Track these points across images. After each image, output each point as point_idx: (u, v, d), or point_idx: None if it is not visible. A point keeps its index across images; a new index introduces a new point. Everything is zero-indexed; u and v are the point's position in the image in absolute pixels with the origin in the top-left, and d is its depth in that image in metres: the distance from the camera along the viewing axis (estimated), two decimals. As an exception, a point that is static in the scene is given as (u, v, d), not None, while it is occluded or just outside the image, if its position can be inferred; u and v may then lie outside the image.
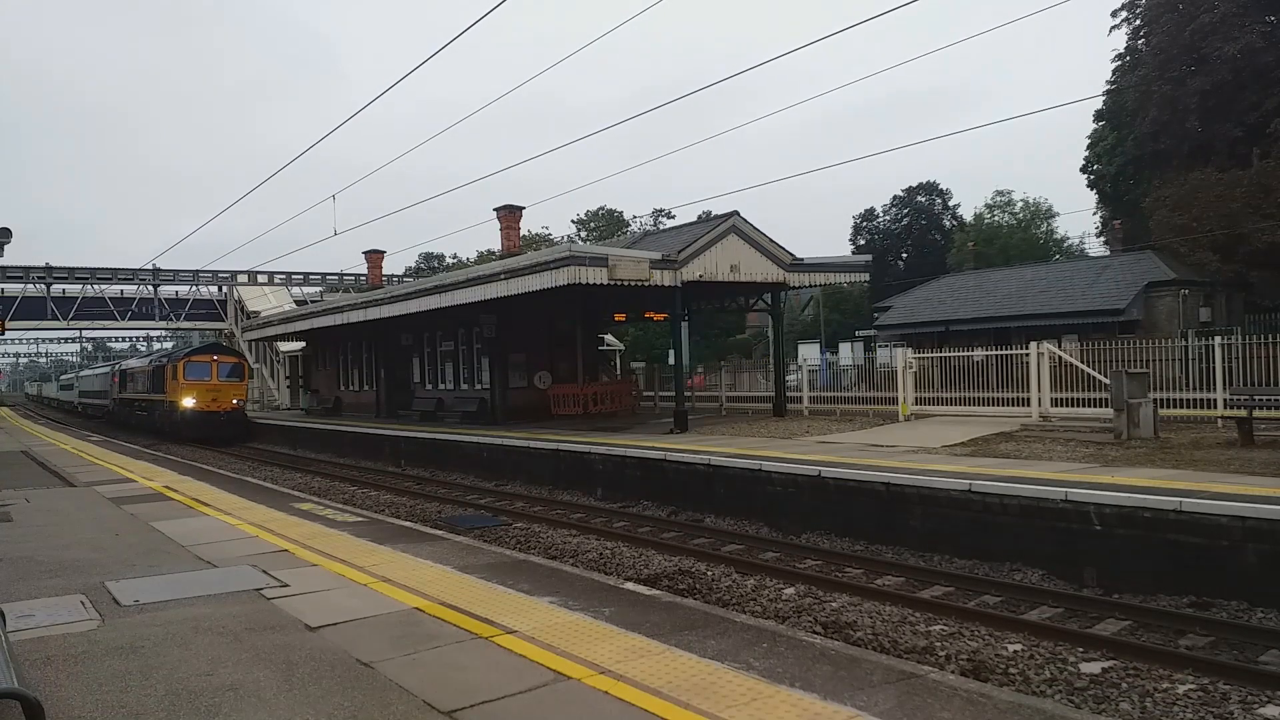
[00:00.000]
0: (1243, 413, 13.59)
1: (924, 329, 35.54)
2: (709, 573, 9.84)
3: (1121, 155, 31.65)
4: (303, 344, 41.40)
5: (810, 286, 31.09)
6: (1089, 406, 17.24)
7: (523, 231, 34.92)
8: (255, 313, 48.57)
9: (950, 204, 63.24)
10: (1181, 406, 16.53)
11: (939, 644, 7.21)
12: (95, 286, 44.44)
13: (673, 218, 64.75)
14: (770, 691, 4.72)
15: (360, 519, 11.37)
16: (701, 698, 4.61)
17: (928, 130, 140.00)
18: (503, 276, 21.31)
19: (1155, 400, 15.27)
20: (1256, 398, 13.90)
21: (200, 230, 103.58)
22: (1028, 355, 18.19)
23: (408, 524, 11.45)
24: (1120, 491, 9.38)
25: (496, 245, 33.28)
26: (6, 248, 22.18)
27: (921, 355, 21.76)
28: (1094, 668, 6.65)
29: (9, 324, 38.56)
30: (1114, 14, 29.12)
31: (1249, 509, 8.23)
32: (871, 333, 40.74)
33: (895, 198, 63.44)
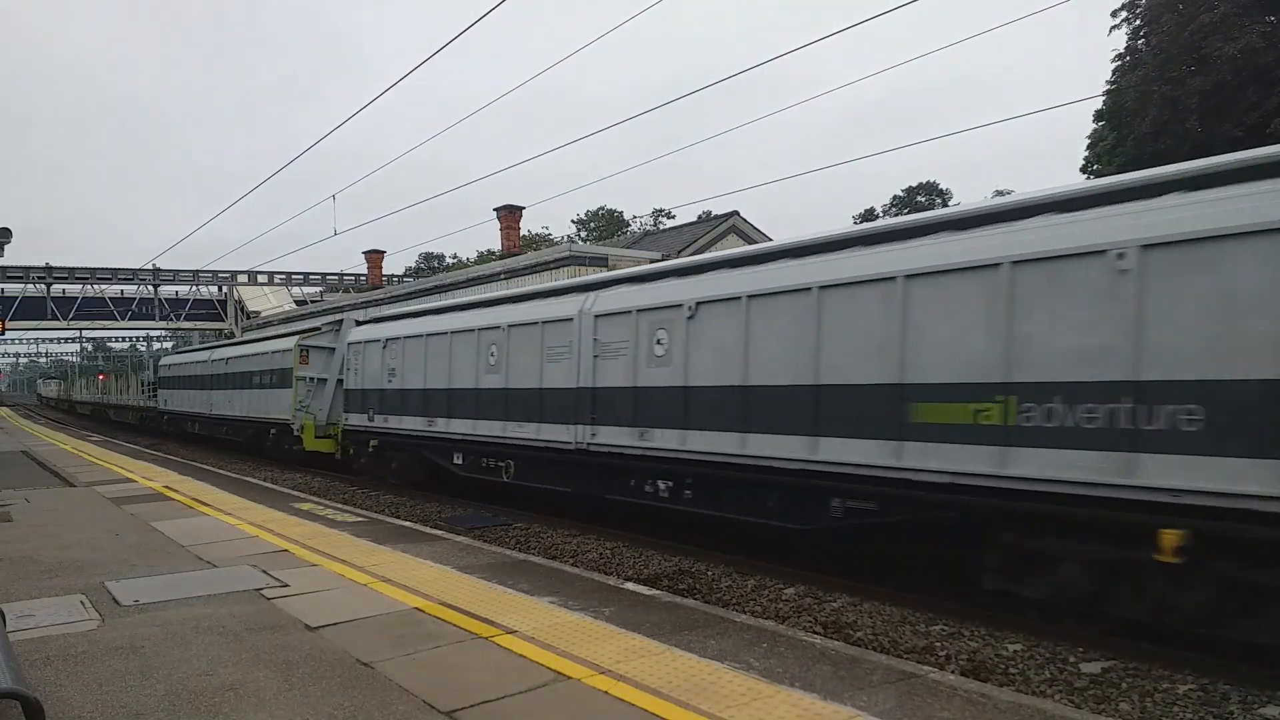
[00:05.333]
0: None
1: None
2: (709, 573, 9.83)
3: (1121, 155, 31.64)
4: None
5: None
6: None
7: (523, 231, 34.93)
8: (255, 313, 48.57)
9: (950, 204, 63.31)
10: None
11: (939, 644, 7.21)
12: (95, 286, 44.42)
13: (673, 218, 64.88)
14: (770, 691, 4.72)
15: (360, 519, 11.38)
16: (701, 698, 4.61)
17: (928, 130, 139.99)
18: (503, 276, 21.37)
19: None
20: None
21: (200, 230, 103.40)
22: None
23: (408, 524, 11.46)
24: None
25: (497, 245, 33.29)
26: (7, 248, 22.20)
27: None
28: (1094, 668, 6.64)
29: (9, 324, 38.56)
30: (1114, 14, 29.12)
31: None
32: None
33: (895, 198, 63.61)
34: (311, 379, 21.27)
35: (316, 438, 20.78)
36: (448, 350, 14.95)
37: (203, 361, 30.41)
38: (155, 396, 38.66)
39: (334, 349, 21.16)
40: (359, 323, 20.97)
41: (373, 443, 17.54)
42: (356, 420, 18.22)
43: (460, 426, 14.50)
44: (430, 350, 15.55)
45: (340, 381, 20.45)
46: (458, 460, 14.91)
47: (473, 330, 14.34)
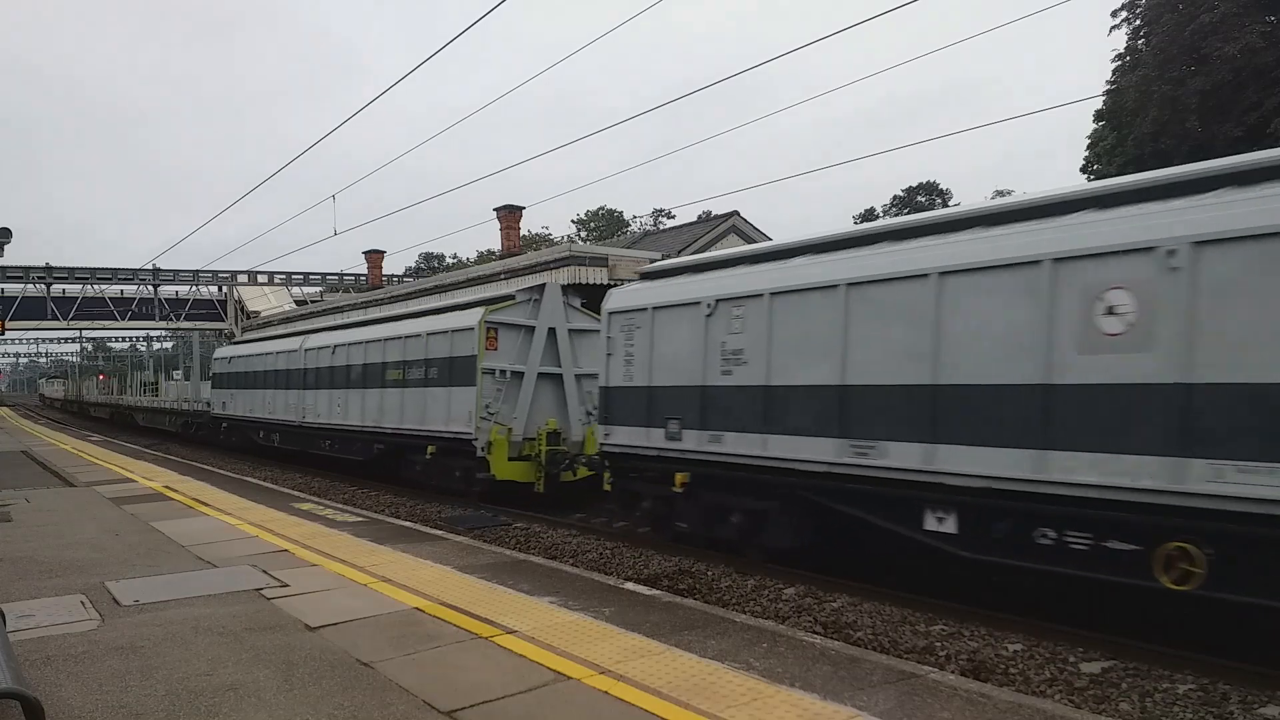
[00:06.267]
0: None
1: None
2: (709, 573, 9.83)
3: (1121, 155, 31.69)
4: (303, 344, 41.31)
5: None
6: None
7: (523, 231, 34.92)
8: (255, 313, 48.53)
9: (950, 204, 63.31)
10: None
11: (939, 644, 7.21)
12: (95, 286, 44.41)
13: (673, 218, 64.91)
14: (770, 691, 4.72)
15: (360, 519, 11.38)
16: (701, 698, 4.61)
17: (928, 130, 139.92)
18: (503, 276, 21.36)
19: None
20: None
21: (201, 230, 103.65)
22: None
23: (408, 524, 11.46)
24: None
25: (496, 245, 33.30)
26: (7, 248, 22.21)
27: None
28: (1094, 668, 6.65)
29: (9, 324, 38.53)
30: (1114, 14, 29.14)
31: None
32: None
33: (895, 198, 63.56)
34: (503, 372, 15.16)
35: (510, 459, 14.92)
36: (930, 309, 7.94)
37: (288, 352, 23.15)
38: (152, 390, 34.08)
39: (533, 328, 15.65)
40: (565, 290, 15.87)
41: (681, 478, 10.60)
42: (633, 437, 11.30)
43: (975, 461, 7.59)
44: (858, 311, 8.63)
45: (544, 377, 15.65)
46: (944, 525, 7.99)
47: (1067, 258, 7.09)
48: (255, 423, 25.35)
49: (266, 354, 24.88)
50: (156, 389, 41.60)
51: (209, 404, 30.60)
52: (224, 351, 30.41)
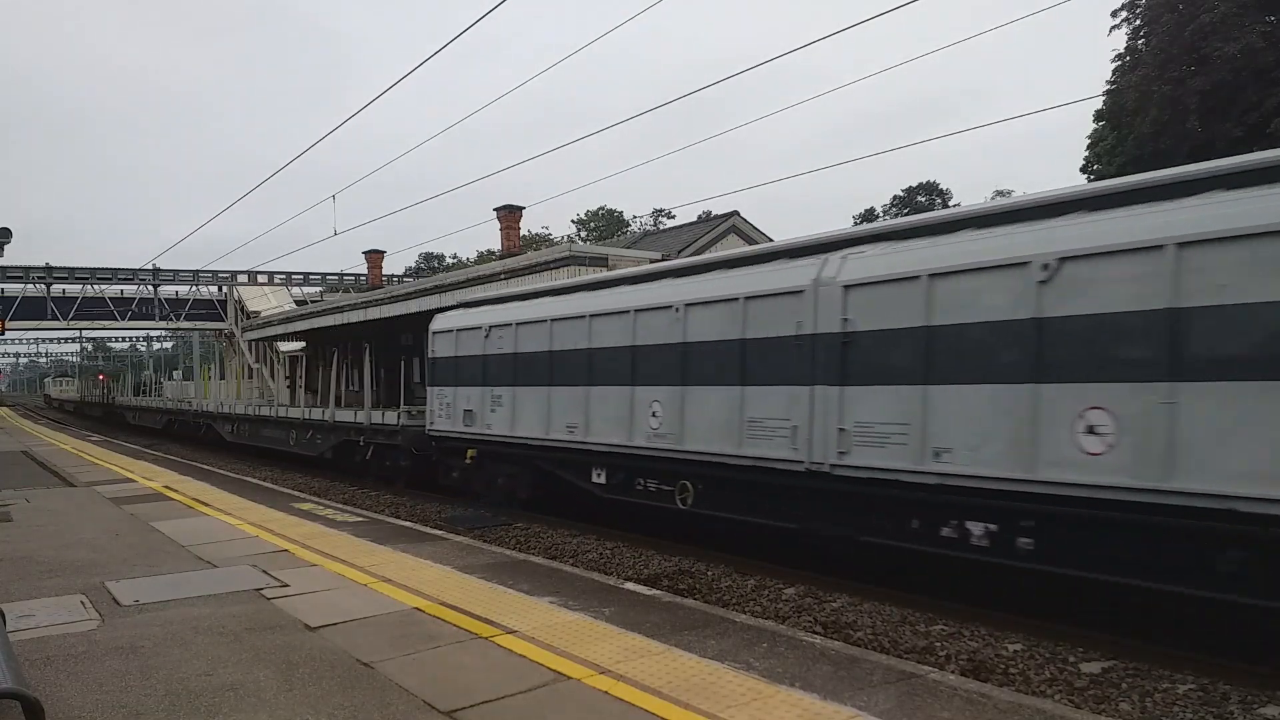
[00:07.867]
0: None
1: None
2: (709, 573, 9.83)
3: (1121, 155, 31.71)
4: (303, 344, 41.37)
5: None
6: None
7: (523, 231, 34.91)
8: (255, 313, 48.53)
9: (950, 204, 63.30)
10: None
11: (939, 644, 7.21)
12: (95, 286, 44.41)
13: (673, 218, 64.86)
14: (770, 691, 4.72)
15: (360, 519, 11.38)
16: (701, 698, 4.61)
17: (927, 131, 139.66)
18: (503, 276, 21.34)
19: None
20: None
21: (200, 230, 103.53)
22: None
23: (408, 524, 11.46)
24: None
25: (496, 245, 33.30)
26: (7, 248, 22.18)
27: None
28: (1094, 668, 6.65)
29: (9, 324, 38.53)
30: (1114, 14, 29.18)
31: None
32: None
33: (895, 198, 63.55)
34: None
35: None
36: None
37: (713, 304, 9.95)
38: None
39: None
40: None
41: None
42: None
43: None
44: None
45: None
46: None
47: None
48: (571, 451, 12.38)
49: (615, 312, 11.63)
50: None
51: (411, 414, 18.09)
52: (459, 318, 15.93)
